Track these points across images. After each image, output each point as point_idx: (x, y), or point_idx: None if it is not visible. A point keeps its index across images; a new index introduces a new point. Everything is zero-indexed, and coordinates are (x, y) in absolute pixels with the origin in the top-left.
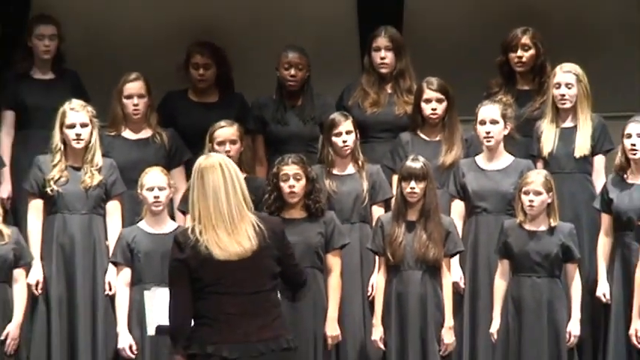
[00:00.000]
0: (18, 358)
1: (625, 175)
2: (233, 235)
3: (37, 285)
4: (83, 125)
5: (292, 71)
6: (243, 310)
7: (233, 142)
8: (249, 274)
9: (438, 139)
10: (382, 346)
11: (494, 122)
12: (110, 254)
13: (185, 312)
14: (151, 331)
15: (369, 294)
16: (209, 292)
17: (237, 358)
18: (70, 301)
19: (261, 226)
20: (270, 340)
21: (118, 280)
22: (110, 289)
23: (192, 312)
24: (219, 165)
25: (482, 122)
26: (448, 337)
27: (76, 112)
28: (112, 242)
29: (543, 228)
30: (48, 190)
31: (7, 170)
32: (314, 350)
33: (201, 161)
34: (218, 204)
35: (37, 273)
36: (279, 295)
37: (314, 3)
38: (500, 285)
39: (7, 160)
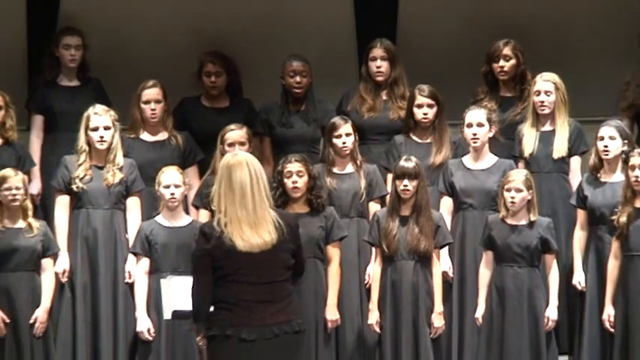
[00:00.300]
0: (46, 340)
1: (598, 175)
2: (255, 228)
3: (63, 273)
4: (106, 128)
5: (297, 78)
6: (260, 297)
7: (242, 143)
8: (267, 265)
9: (428, 141)
10: (378, 329)
11: (480, 125)
12: (130, 245)
13: (205, 296)
14: (167, 315)
15: (365, 282)
16: (230, 280)
17: (254, 340)
18: (93, 288)
19: (280, 221)
20: (284, 324)
21: (137, 269)
22: (130, 278)
23: (211, 296)
24: (246, 163)
25: (469, 125)
26: (438, 321)
27: (100, 116)
28: (131, 235)
29: (524, 222)
30: (74, 187)
31: (37, 169)
32: (315, 333)
33: (229, 159)
34: (244, 199)
35: (63, 262)
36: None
37: (316, 17)
38: (484, 274)
39: (36, 159)
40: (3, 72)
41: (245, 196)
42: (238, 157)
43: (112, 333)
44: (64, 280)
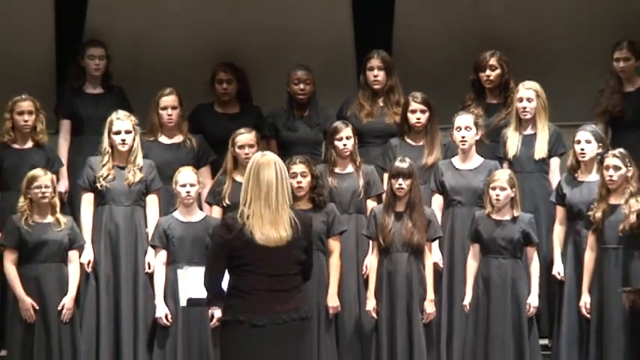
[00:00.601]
0: (72, 325)
1: (576, 174)
2: (275, 225)
3: (88, 264)
4: (127, 132)
5: (301, 86)
6: (272, 287)
7: (251, 146)
8: (280, 259)
9: (421, 143)
10: (375, 315)
11: (468, 129)
12: (149, 239)
13: (218, 278)
14: (183, 302)
15: (363, 272)
16: (246, 270)
17: (265, 325)
18: (115, 278)
19: (296, 220)
20: (292, 311)
21: (155, 261)
22: (149, 268)
23: (222, 280)
24: (274, 163)
25: (458, 129)
26: (429, 308)
27: (122, 121)
28: (150, 229)
29: (507, 217)
30: (98, 185)
31: (64, 169)
32: (317, 319)
33: (259, 158)
34: (268, 197)
35: (88, 254)
36: None
37: (318, 31)
38: (472, 265)
39: (64, 160)
40: (34, 80)
41: (270, 193)
42: (267, 157)
43: (133, 319)
44: (89, 270)
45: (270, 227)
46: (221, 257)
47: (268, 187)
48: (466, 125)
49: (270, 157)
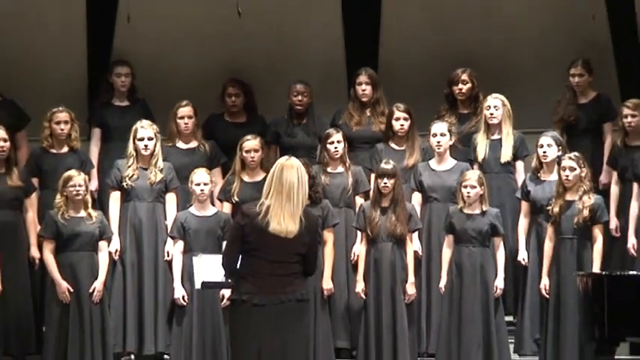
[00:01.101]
0: (102, 305)
1: (539, 174)
2: (291, 218)
3: (115, 252)
4: (149, 138)
5: (299, 97)
6: (273, 272)
7: (256, 150)
8: (284, 248)
9: (403, 148)
10: (363, 296)
11: (442, 135)
12: (168, 231)
13: (234, 257)
14: (197, 285)
15: (351, 259)
16: (253, 254)
17: (264, 305)
18: (139, 265)
19: (303, 219)
20: (289, 293)
21: (174, 250)
22: (168, 256)
23: (237, 258)
24: (297, 168)
25: (434, 135)
26: (410, 289)
27: (145, 129)
28: (169, 222)
29: (477, 212)
30: (124, 184)
31: (95, 171)
32: (314, 300)
33: (283, 161)
34: (291, 194)
35: (115, 244)
36: None
37: (314, 52)
38: (446, 253)
39: (95, 163)
40: (68, 94)
41: (292, 191)
42: (291, 162)
43: (154, 300)
44: (116, 258)
45: (289, 219)
46: (236, 240)
47: (290, 186)
48: (441, 132)
49: (294, 162)
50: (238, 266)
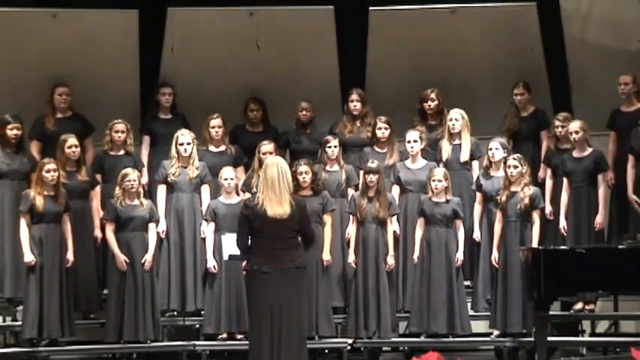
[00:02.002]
0: (151, 274)
1: (489, 171)
2: (279, 204)
3: (162, 232)
4: (188, 143)
5: (304, 112)
6: (275, 246)
7: (270, 152)
8: (280, 227)
9: (385, 150)
10: (354, 265)
11: (415, 141)
12: (203, 215)
13: (244, 239)
14: (225, 257)
15: (345, 237)
16: (258, 235)
17: (270, 272)
18: (180, 242)
19: (293, 203)
20: (289, 262)
21: (207, 230)
22: (203, 234)
23: (247, 239)
24: (276, 164)
25: (409, 141)
26: (390, 261)
27: (184, 136)
28: (204, 208)
29: (443, 200)
30: (168, 179)
31: (145, 169)
32: (316, 269)
33: (267, 160)
34: (274, 185)
35: (162, 226)
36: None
37: (316, 77)
38: (419, 232)
39: (145, 163)
40: (125, 109)
41: (274, 184)
42: (272, 160)
43: (193, 269)
44: (162, 236)
45: (277, 205)
46: (244, 226)
47: (272, 179)
48: (414, 139)
49: (274, 160)
50: (252, 243)
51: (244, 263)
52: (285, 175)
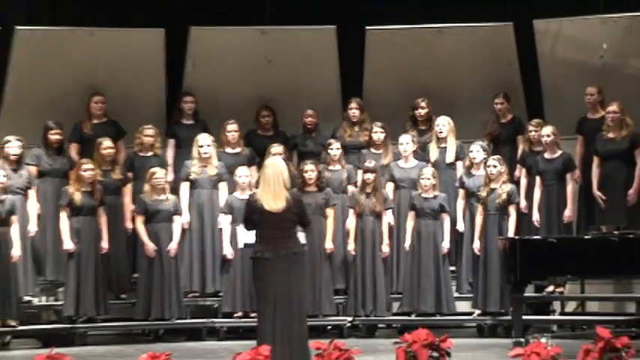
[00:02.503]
0: (176, 259)
1: (471, 171)
2: (275, 199)
3: (185, 224)
4: (208, 146)
5: (310, 119)
6: (274, 235)
7: (280, 154)
8: (279, 219)
9: (380, 152)
10: (353, 253)
11: (407, 144)
12: (221, 209)
13: (249, 230)
14: (240, 245)
15: (346, 228)
16: (260, 226)
17: (271, 258)
18: (201, 232)
19: (289, 197)
20: (288, 249)
21: (224, 221)
22: (220, 225)
23: (251, 230)
24: (272, 165)
25: (402, 144)
26: (385, 248)
27: (205, 139)
28: (222, 203)
29: (431, 196)
30: (191, 177)
31: (170, 168)
32: (319, 255)
33: (266, 161)
34: (270, 183)
35: (185, 218)
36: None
37: (319, 88)
38: (410, 224)
39: (170, 162)
40: (153, 116)
41: (270, 181)
42: (270, 161)
43: (212, 256)
44: (186, 227)
45: (273, 200)
46: (248, 219)
47: (268, 178)
48: (406, 142)
49: (272, 161)
50: (256, 234)
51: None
52: (281, 174)
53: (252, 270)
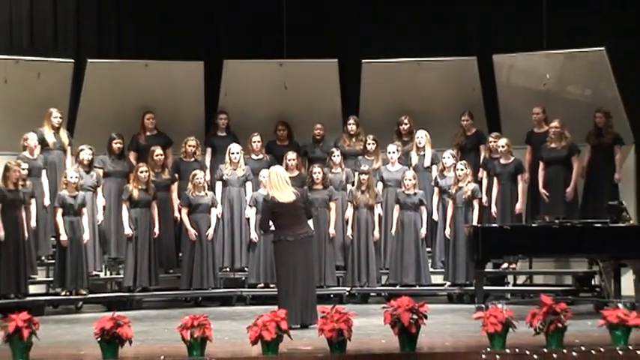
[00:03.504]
0: (212, 242)
1: (444, 172)
2: (283, 193)
3: (219, 214)
4: (237, 153)
5: (318, 131)
6: (291, 222)
7: (294, 159)
8: (292, 209)
9: (372, 158)
10: (351, 237)
11: (394, 152)
12: (248, 202)
13: (267, 222)
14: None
15: (346, 218)
16: (280, 217)
17: (291, 240)
18: (231, 221)
19: (296, 192)
20: (303, 233)
21: (250, 212)
22: (247, 216)
23: (269, 222)
24: (276, 172)
25: (389, 152)
26: (376, 234)
27: (234, 148)
28: (248, 198)
29: (412, 192)
30: (224, 178)
31: (208, 171)
32: (325, 240)
33: (270, 169)
34: (275, 183)
35: (219, 210)
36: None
37: (324, 106)
38: (395, 214)
39: (208, 166)
40: (194, 129)
41: (275, 182)
42: (272, 169)
43: (239, 239)
44: (219, 217)
45: (283, 195)
46: (266, 212)
47: (273, 180)
48: (393, 150)
49: (273, 169)
50: (275, 223)
51: (272, 235)
52: (281, 175)
53: (274, 250)
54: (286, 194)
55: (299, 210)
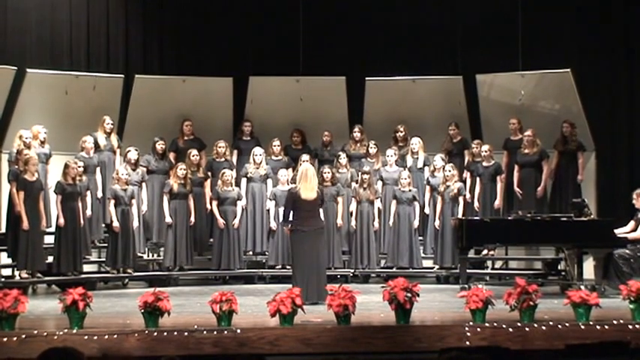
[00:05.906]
0: (238, 229)
1: (434, 173)
2: (311, 191)
3: (244, 206)
4: (260, 155)
5: (327, 138)
6: (308, 215)
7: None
8: (311, 204)
9: (373, 160)
10: (354, 227)
11: (391, 155)
12: (268, 197)
13: (289, 212)
14: (282, 221)
15: (350, 211)
16: (299, 209)
17: (307, 231)
18: (253, 212)
19: (318, 190)
20: (316, 225)
21: (271, 205)
22: (267, 207)
23: (290, 212)
24: (307, 169)
25: (388, 155)
26: (376, 224)
27: (257, 150)
28: (269, 193)
29: (407, 190)
30: (248, 175)
31: (235, 169)
32: (332, 229)
33: (305, 165)
34: (309, 179)
35: (243, 202)
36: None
37: (333, 116)
38: (392, 208)
39: (235, 165)
40: (224, 135)
41: (309, 178)
42: (308, 165)
43: (261, 228)
44: (243, 207)
45: (307, 192)
46: (289, 204)
47: (310, 176)
48: (391, 154)
49: (308, 165)
50: (294, 214)
51: (290, 225)
52: (313, 175)
53: (290, 238)
54: (310, 191)
55: (316, 206)
